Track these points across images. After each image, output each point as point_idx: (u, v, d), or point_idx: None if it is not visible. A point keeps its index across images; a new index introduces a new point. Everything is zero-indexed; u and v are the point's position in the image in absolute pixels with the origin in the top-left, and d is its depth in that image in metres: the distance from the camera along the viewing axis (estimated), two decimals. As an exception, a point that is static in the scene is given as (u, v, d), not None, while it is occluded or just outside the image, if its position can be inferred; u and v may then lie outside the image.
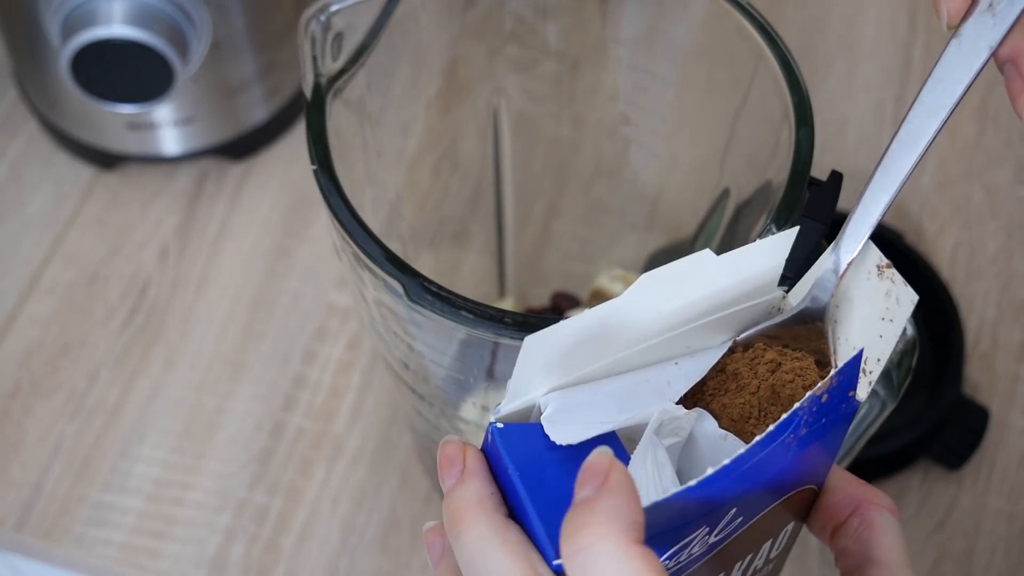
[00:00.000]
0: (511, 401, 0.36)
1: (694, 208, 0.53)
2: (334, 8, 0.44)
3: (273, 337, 0.65)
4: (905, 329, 0.42)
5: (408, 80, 0.51)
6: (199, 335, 0.66)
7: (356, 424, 0.63)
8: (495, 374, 0.44)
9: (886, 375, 0.43)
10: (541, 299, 0.63)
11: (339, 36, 0.44)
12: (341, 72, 0.44)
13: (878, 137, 0.73)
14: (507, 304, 0.62)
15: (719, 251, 0.50)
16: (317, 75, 0.44)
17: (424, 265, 0.54)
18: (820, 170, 0.42)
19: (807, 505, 0.39)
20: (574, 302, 0.62)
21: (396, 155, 0.52)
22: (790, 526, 0.39)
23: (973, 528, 0.60)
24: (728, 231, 0.49)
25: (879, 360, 0.38)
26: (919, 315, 0.64)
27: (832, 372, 0.35)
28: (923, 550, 0.59)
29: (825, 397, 0.35)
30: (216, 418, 0.63)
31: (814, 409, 0.35)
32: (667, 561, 0.33)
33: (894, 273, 0.38)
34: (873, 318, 0.38)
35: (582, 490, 0.31)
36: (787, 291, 0.39)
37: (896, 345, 0.42)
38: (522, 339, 0.39)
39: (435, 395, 0.47)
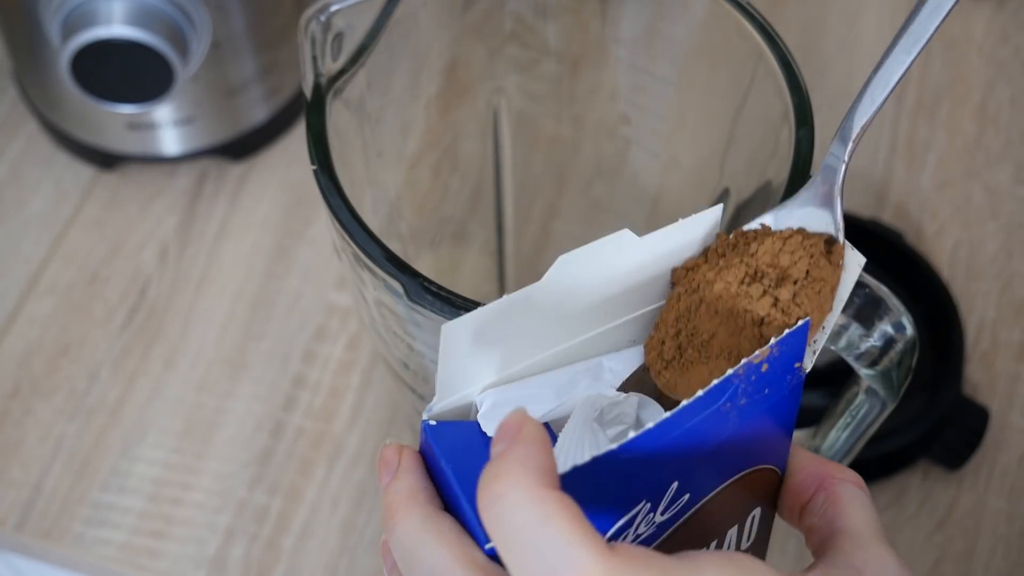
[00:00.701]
0: (442, 398, 0.36)
1: (694, 208, 0.52)
2: (334, 8, 0.44)
3: (273, 337, 0.65)
4: (906, 329, 0.42)
5: (408, 80, 0.51)
6: (199, 335, 0.66)
7: (356, 424, 0.63)
8: (495, 374, 0.44)
9: (886, 375, 0.43)
10: (541, 299, 0.63)
11: (339, 36, 0.44)
12: (341, 72, 0.44)
13: (878, 137, 0.73)
14: (507, 304, 0.62)
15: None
16: (317, 75, 0.44)
17: (424, 265, 0.54)
18: (820, 170, 0.42)
19: (772, 490, 0.39)
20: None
21: (396, 155, 0.52)
22: (756, 512, 0.38)
23: (973, 528, 0.60)
24: (728, 231, 0.49)
25: (824, 328, 0.37)
26: (919, 315, 0.64)
27: (772, 341, 0.34)
28: (923, 550, 0.59)
29: (765, 367, 0.34)
30: (216, 418, 0.63)
31: (752, 378, 0.34)
32: (613, 540, 0.33)
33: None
34: None
35: (496, 447, 0.31)
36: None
37: (896, 345, 0.42)
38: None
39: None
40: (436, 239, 0.57)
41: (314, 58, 0.44)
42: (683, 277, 0.38)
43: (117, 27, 0.60)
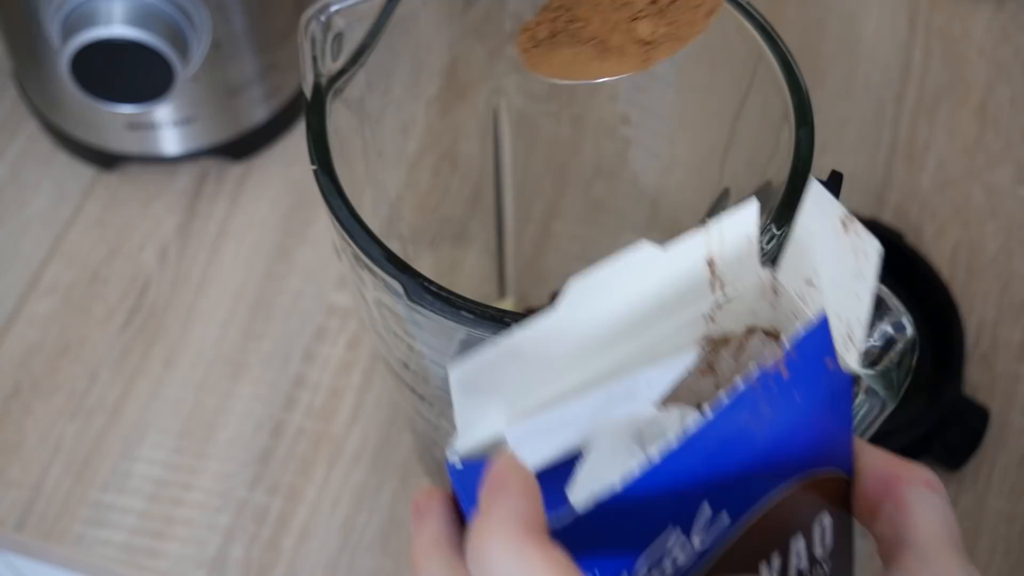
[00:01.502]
0: (464, 436, 0.34)
1: (694, 208, 0.53)
2: (334, 8, 0.44)
3: (273, 337, 0.65)
4: (906, 329, 0.42)
5: (408, 80, 0.51)
6: (199, 335, 0.66)
7: (356, 424, 0.63)
8: (495, 374, 0.44)
9: (886, 375, 0.43)
10: (541, 299, 0.63)
11: (339, 36, 0.44)
12: (341, 72, 0.44)
13: (878, 137, 0.73)
14: (507, 304, 0.62)
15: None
16: (317, 75, 0.44)
17: (424, 265, 0.54)
18: (820, 170, 0.42)
19: (841, 495, 0.36)
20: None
21: (396, 155, 0.52)
22: (826, 520, 0.36)
23: (973, 528, 0.60)
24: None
25: (860, 320, 0.34)
26: (919, 315, 0.64)
27: (785, 344, 0.32)
28: (923, 550, 0.59)
29: (786, 372, 0.32)
30: (216, 418, 0.63)
31: (773, 388, 0.32)
32: (646, 571, 0.32)
33: (858, 225, 0.34)
34: (847, 279, 0.34)
35: (482, 501, 0.31)
36: (774, 268, 0.36)
37: (896, 345, 0.42)
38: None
39: (435, 395, 0.47)
40: (436, 239, 0.57)
41: (314, 58, 0.44)
42: None
43: (117, 27, 0.60)
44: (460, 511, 0.34)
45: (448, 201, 0.57)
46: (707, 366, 0.37)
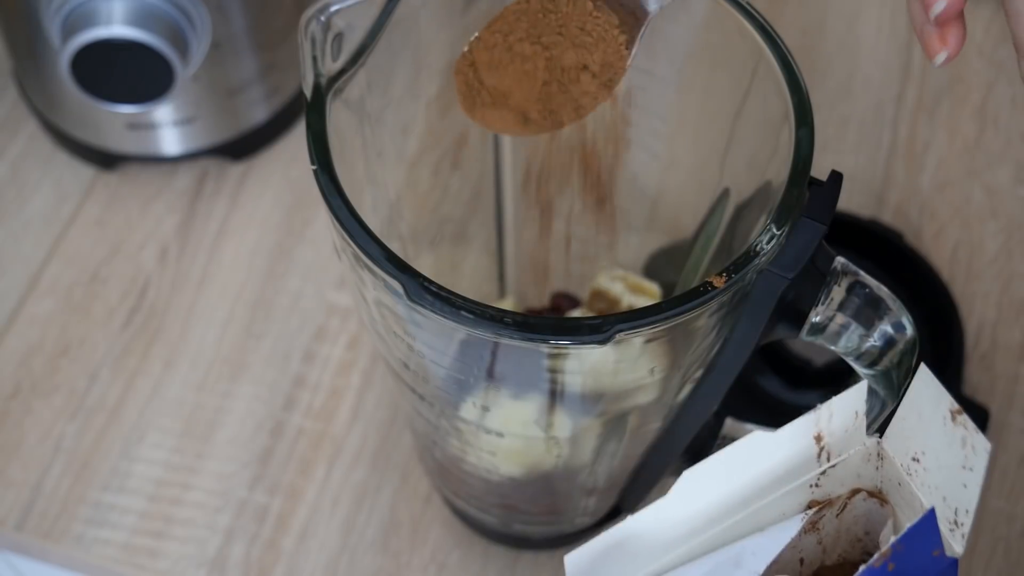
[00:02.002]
0: None
1: (694, 208, 0.53)
2: (334, 8, 0.44)
3: (273, 337, 0.65)
4: (906, 329, 0.42)
5: (408, 80, 0.51)
6: (199, 335, 0.66)
7: (356, 424, 0.63)
8: (495, 374, 0.44)
9: (886, 375, 0.43)
10: (541, 299, 0.63)
11: (339, 36, 0.44)
12: (341, 72, 0.44)
13: (878, 137, 0.73)
14: (507, 304, 0.62)
15: (718, 250, 0.50)
16: (317, 75, 0.44)
17: (424, 265, 0.54)
18: (820, 170, 0.42)
19: None
20: (574, 302, 0.62)
21: (396, 155, 0.52)
22: None
23: (973, 528, 0.60)
24: (728, 231, 0.49)
25: (968, 512, 0.36)
26: (919, 315, 0.64)
27: (893, 539, 0.34)
28: (923, 550, 0.60)
29: (892, 566, 0.33)
30: (216, 418, 0.63)
31: None
32: None
33: (966, 419, 0.37)
34: (954, 466, 0.37)
35: None
36: (880, 438, 0.38)
37: (896, 345, 0.42)
38: (523, 339, 0.39)
39: (435, 395, 0.47)
40: (436, 239, 0.57)
41: (314, 58, 0.44)
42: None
43: (117, 27, 0.60)
44: None
45: (448, 201, 0.57)
46: (810, 525, 0.38)
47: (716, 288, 0.40)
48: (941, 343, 0.63)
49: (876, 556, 0.33)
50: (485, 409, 0.46)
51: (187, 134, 0.68)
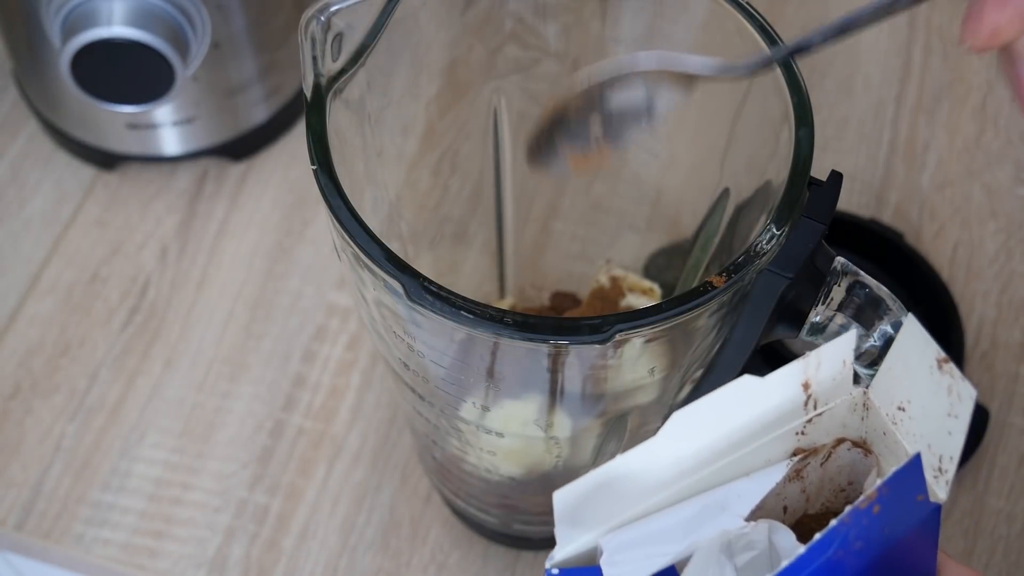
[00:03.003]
0: (563, 547, 0.36)
1: (694, 208, 0.53)
2: (334, 8, 0.44)
3: (273, 337, 0.65)
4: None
5: (408, 80, 0.51)
6: (199, 335, 0.66)
7: (356, 424, 0.63)
8: (495, 374, 0.44)
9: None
10: (541, 299, 0.63)
11: (339, 36, 0.44)
12: (341, 72, 0.44)
13: (878, 137, 0.73)
14: (507, 304, 0.62)
15: (718, 250, 0.50)
16: (317, 75, 0.44)
17: (424, 265, 0.54)
18: (820, 170, 0.42)
19: None
20: (574, 302, 0.62)
21: (396, 155, 0.52)
22: None
23: (973, 528, 0.60)
24: (728, 231, 0.49)
25: (952, 458, 0.37)
26: (919, 315, 0.64)
27: (879, 482, 0.34)
28: (923, 550, 0.59)
29: (877, 508, 0.34)
30: (216, 418, 0.63)
31: (864, 522, 0.34)
32: None
33: (952, 368, 0.37)
34: (939, 414, 0.37)
35: None
36: (867, 388, 0.38)
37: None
38: (522, 339, 0.39)
39: (435, 395, 0.47)
40: (436, 239, 0.57)
41: (314, 58, 0.44)
42: None
43: (117, 27, 0.60)
44: None
45: (448, 201, 0.57)
46: (795, 473, 0.39)
47: (716, 288, 0.40)
48: (941, 343, 0.63)
49: (862, 498, 0.33)
50: (485, 409, 0.46)
51: (187, 134, 0.68)
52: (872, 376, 0.42)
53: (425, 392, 0.48)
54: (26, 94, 0.71)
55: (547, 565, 0.36)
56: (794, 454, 0.39)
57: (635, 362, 0.42)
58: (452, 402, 0.47)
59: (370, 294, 0.43)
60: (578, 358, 0.41)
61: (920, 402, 0.38)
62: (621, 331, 0.39)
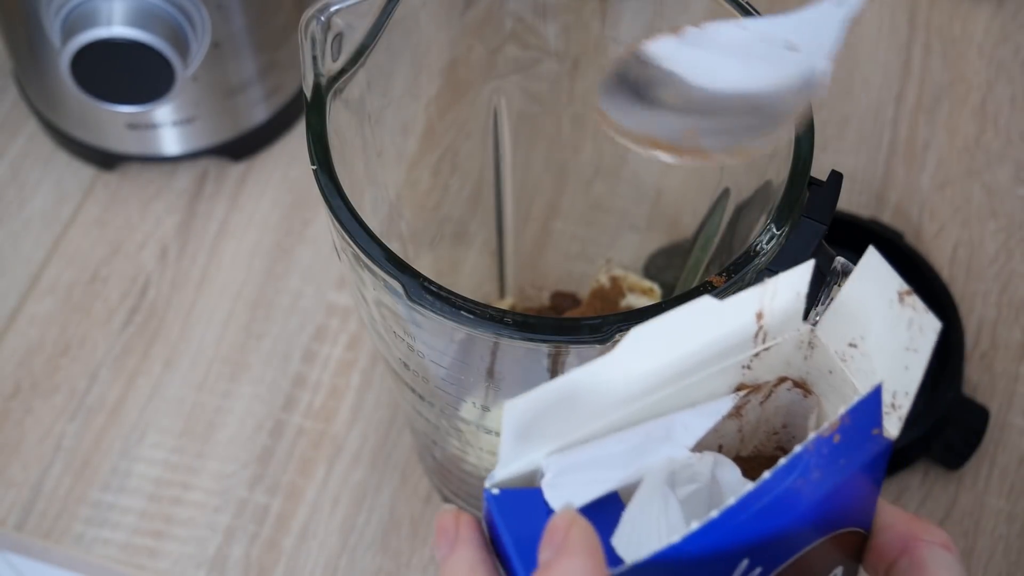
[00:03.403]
0: (505, 466, 0.35)
1: (694, 208, 0.53)
2: (334, 8, 0.44)
3: (273, 337, 0.65)
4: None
5: (408, 80, 0.51)
6: (199, 335, 0.66)
7: (356, 424, 0.63)
8: (495, 374, 0.44)
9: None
10: (541, 299, 0.63)
11: (339, 36, 0.44)
12: (341, 72, 0.44)
13: (878, 137, 0.73)
14: (507, 304, 0.62)
15: (718, 250, 0.50)
16: (317, 75, 0.44)
17: (424, 265, 0.54)
18: (820, 170, 0.42)
19: (857, 549, 0.38)
20: (574, 302, 0.62)
21: (396, 155, 0.52)
22: (839, 570, 0.38)
23: (973, 528, 0.60)
24: (728, 231, 0.49)
25: (907, 393, 0.36)
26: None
27: (842, 411, 0.34)
28: (923, 550, 0.59)
29: (837, 437, 0.34)
30: (216, 418, 0.63)
31: (824, 451, 0.33)
32: None
33: (916, 300, 0.36)
34: (896, 349, 0.36)
35: (543, 552, 0.31)
36: (815, 324, 0.38)
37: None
38: (522, 339, 0.39)
39: (435, 395, 0.47)
40: (436, 239, 0.57)
41: (314, 58, 0.44)
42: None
43: (117, 27, 0.60)
44: (491, 536, 0.35)
45: (448, 201, 0.57)
46: (735, 410, 0.38)
47: (716, 288, 0.40)
48: (941, 343, 0.63)
49: (826, 426, 0.33)
50: (485, 409, 0.46)
51: (187, 134, 0.68)
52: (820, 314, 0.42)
53: (425, 392, 0.48)
54: (26, 94, 0.71)
55: (486, 484, 0.35)
56: (737, 389, 0.38)
57: (635, 362, 0.42)
58: (452, 402, 0.47)
59: (370, 294, 0.43)
60: (578, 358, 0.41)
61: (875, 338, 0.37)
62: (621, 331, 0.39)
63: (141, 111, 0.65)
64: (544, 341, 0.39)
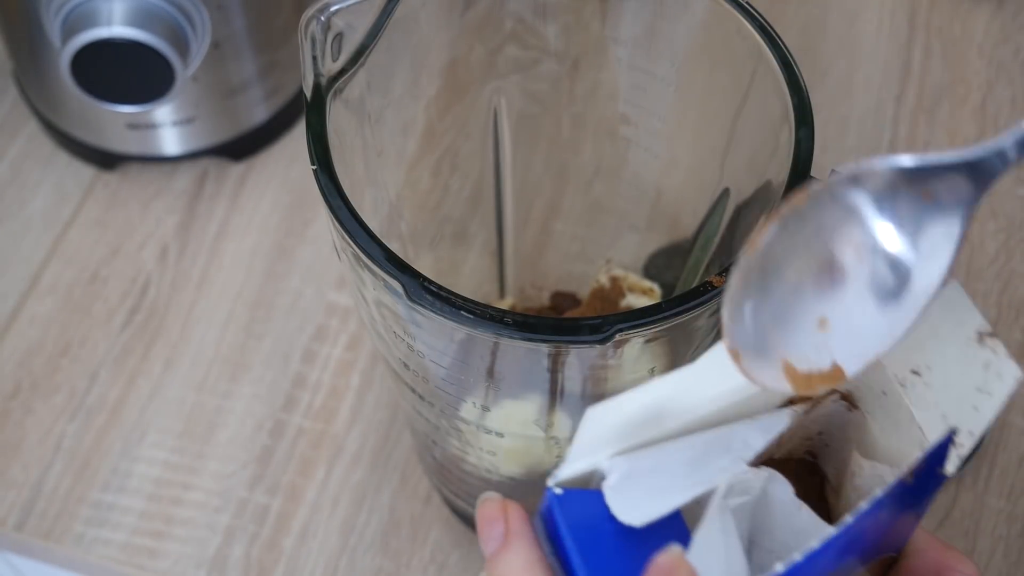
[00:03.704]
0: (571, 465, 0.35)
1: (694, 208, 0.53)
2: (334, 8, 0.44)
3: (273, 337, 0.65)
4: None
5: (408, 80, 0.51)
6: (199, 335, 0.66)
7: (356, 424, 0.63)
8: (495, 374, 0.44)
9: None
10: (541, 299, 0.63)
11: (339, 36, 0.44)
12: (341, 72, 0.44)
13: (878, 137, 0.73)
14: (507, 304, 0.62)
15: (718, 250, 0.50)
16: (317, 75, 0.44)
17: (424, 265, 0.54)
18: (820, 170, 0.42)
19: (885, 566, 0.38)
20: (574, 302, 0.62)
21: (396, 155, 0.52)
22: None
23: (973, 528, 0.60)
24: (728, 231, 0.49)
25: (971, 433, 0.36)
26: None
27: (919, 455, 0.34)
28: (923, 550, 0.59)
29: (911, 479, 0.34)
30: (216, 418, 0.63)
31: (897, 492, 0.34)
32: None
33: (997, 344, 0.35)
34: (967, 388, 0.36)
35: None
36: None
37: None
38: (522, 339, 0.39)
39: (435, 395, 0.47)
40: (436, 239, 0.57)
41: (314, 58, 0.44)
42: None
43: (117, 27, 0.60)
44: (547, 533, 0.35)
45: (448, 201, 0.57)
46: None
47: (716, 288, 0.40)
48: (941, 343, 0.63)
49: (906, 470, 0.33)
50: (485, 409, 0.46)
51: (187, 134, 0.68)
52: None
53: (425, 392, 0.48)
54: (26, 94, 0.71)
55: (549, 483, 0.34)
56: (790, 400, 0.38)
57: (635, 362, 0.42)
58: (452, 402, 0.47)
59: (370, 294, 0.43)
60: (578, 358, 0.41)
61: (943, 371, 0.36)
62: (621, 331, 0.39)
63: (141, 111, 0.65)
64: (544, 341, 0.39)
